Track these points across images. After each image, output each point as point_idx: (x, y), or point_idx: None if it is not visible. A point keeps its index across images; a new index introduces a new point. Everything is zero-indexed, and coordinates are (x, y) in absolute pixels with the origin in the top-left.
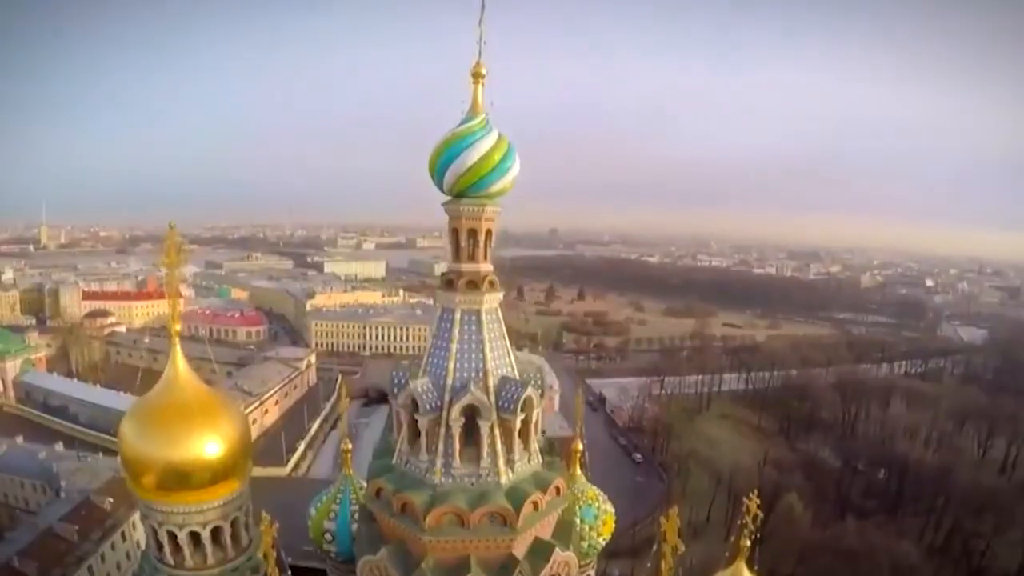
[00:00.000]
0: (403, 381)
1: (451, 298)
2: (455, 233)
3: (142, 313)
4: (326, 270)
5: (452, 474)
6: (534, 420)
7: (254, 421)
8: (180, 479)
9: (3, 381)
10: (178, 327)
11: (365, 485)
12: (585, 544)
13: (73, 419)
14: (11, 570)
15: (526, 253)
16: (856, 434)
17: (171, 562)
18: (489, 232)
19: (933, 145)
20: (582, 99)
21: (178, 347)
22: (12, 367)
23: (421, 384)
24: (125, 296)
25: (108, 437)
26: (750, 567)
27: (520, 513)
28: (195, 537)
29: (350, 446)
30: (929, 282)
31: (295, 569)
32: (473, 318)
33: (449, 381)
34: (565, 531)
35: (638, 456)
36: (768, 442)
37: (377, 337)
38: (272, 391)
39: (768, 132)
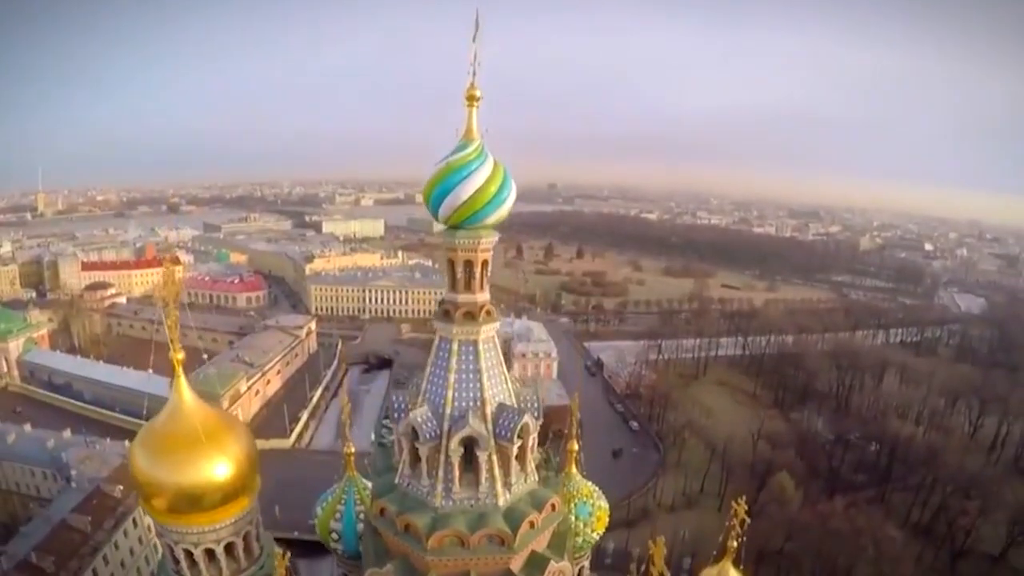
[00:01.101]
0: (403, 407)
1: (448, 329)
2: (451, 264)
3: (142, 282)
4: (324, 230)
5: (452, 497)
6: (531, 443)
7: (256, 392)
8: (192, 502)
9: (7, 361)
10: (180, 356)
11: (368, 485)
12: (580, 540)
13: (77, 397)
14: (29, 565)
15: (525, 209)
16: (850, 406)
17: (188, 574)
18: (485, 262)
19: (937, 106)
20: (582, 53)
21: (182, 377)
22: (15, 346)
23: (420, 414)
24: (124, 265)
25: (112, 414)
26: (736, 566)
27: (517, 534)
28: (209, 552)
29: (353, 450)
30: (928, 246)
31: (302, 543)
32: (470, 348)
33: (448, 410)
34: (560, 541)
35: (634, 424)
36: (763, 412)
37: (376, 301)
38: (273, 361)
39: (770, 89)
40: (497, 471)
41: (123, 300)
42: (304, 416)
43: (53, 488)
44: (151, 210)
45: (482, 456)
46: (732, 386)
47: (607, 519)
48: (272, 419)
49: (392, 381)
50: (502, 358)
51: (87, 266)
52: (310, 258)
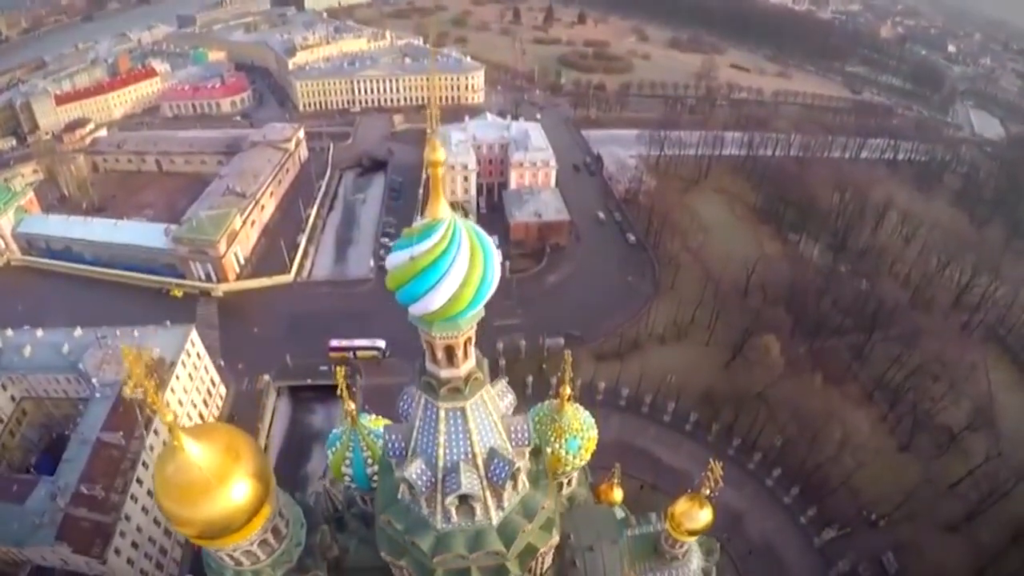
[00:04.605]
0: (399, 448)
1: (433, 400)
2: (429, 346)
3: (120, 102)
4: (307, 5)
5: (451, 522)
6: (521, 477)
7: (252, 223)
8: (220, 531)
9: (3, 238)
10: (170, 417)
11: (374, 430)
12: (568, 467)
13: (78, 259)
14: (82, 496)
15: None
16: (847, 239)
17: (231, 563)
18: (469, 340)
19: None
20: None
21: (180, 434)
22: (7, 221)
23: (415, 470)
24: (99, 90)
25: (115, 272)
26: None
27: (511, 548)
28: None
29: (353, 406)
30: (951, 47)
31: (314, 388)
32: (458, 414)
33: (440, 463)
34: (549, 523)
35: (632, 237)
36: (762, 237)
37: (366, 91)
38: (265, 185)
39: None
40: (491, 502)
41: (103, 133)
42: (302, 242)
43: (80, 389)
44: (120, 5)
45: (478, 506)
46: (732, 195)
47: (595, 446)
48: (271, 251)
49: (387, 190)
50: (492, 405)
51: (61, 99)
52: (292, 51)
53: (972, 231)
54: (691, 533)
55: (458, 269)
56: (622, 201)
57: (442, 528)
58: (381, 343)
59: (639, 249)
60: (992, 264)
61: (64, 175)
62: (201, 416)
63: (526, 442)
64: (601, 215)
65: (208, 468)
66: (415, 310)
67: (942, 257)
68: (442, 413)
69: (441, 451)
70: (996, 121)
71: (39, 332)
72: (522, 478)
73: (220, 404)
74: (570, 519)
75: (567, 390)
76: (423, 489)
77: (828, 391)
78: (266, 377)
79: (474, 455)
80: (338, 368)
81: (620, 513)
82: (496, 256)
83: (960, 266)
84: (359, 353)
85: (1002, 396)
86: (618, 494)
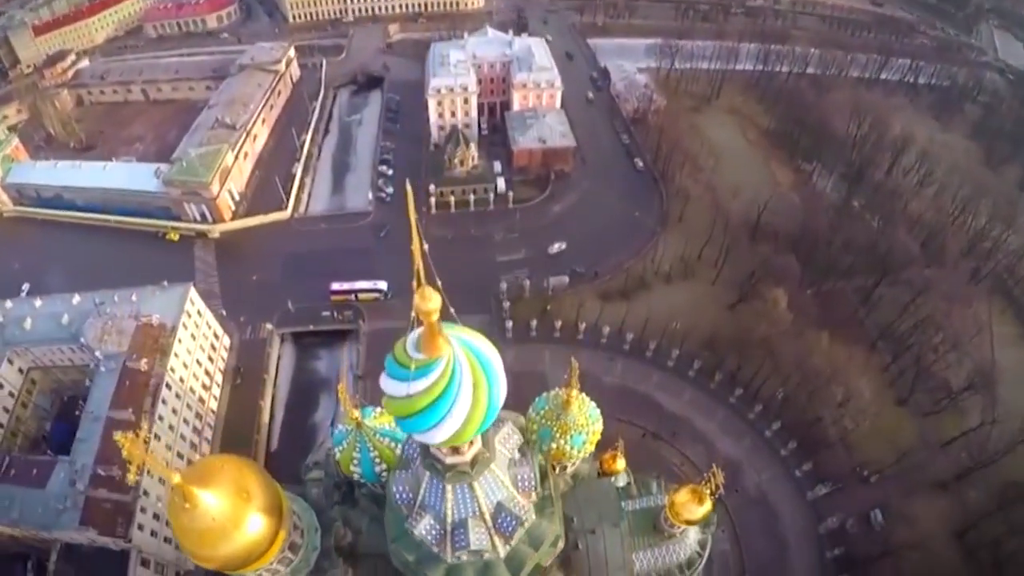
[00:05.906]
0: (408, 497)
1: (439, 480)
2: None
3: (101, 26)
4: None
5: (460, 557)
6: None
7: (245, 155)
8: (243, 562)
9: None
10: (177, 479)
11: (379, 429)
12: (572, 460)
13: (70, 206)
14: (100, 478)
15: None
16: (863, 168)
17: None
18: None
19: None
20: None
21: (191, 491)
22: None
23: (424, 526)
24: (78, 16)
25: (108, 217)
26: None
27: (520, 574)
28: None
29: (358, 414)
30: None
31: (317, 333)
32: (465, 488)
33: (448, 519)
34: (555, 539)
35: (639, 162)
36: (773, 160)
37: None
38: (256, 112)
39: None
40: (498, 543)
41: (85, 63)
42: (298, 172)
43: (85, 357)
44: None
45: (488, 554)
46: (744, 116)
47: (600, 436)
48: (266, 184)
49: (384, 110)
50: (502, 469)
51: (40, 29)
52: None
53: (989, 172)
54: (689, 523)
55: (460, 409)
56: (631, 122)
57: (451, 561)
58: (383, 284)
59: (647, 176)
60: (1008, 211)
61: (48, 113)
62: (208, 373)
63: (533, 488)
64: (590, 95)
65: (221, 515)
66: (416, 438)
67: (958, 197)
68: (448, 486)
69: (449, 510)
70: (1020, 45)
71: (37, 302)
72: (528, 512)
73: (225, 356)
74: (573, 500)
75: (573, 391)
76: (433, 542)
77: (833, 345)
78: (269, 326)
79: (481, 512)
80: (341, 387)
81: (623, 480)
82: (502, 380)
83: (975, 209)
84: (361, 296)
85: (1004, 354)
86: (621, 463)
